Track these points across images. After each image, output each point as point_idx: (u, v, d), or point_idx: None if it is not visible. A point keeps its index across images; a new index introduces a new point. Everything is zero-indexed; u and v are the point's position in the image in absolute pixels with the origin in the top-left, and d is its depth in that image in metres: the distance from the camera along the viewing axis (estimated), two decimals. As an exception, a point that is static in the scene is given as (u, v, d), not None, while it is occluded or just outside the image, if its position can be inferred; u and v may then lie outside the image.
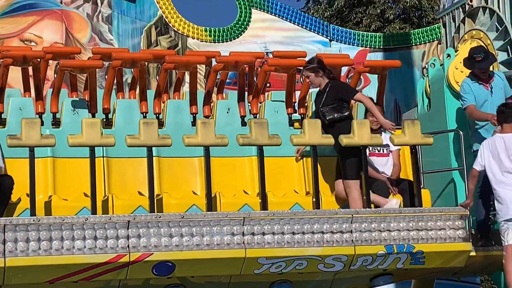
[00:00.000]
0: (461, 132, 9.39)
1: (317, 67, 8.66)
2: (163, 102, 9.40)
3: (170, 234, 7.52)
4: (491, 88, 9.08)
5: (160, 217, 7.55)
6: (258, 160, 8.21)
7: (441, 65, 10.46)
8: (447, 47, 10.95)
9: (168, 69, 9.27)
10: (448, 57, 10.24)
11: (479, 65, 9.09)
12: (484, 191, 8.81)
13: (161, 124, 8.82)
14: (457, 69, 10.12)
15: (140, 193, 8.25)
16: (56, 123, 8.74)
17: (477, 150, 8.87)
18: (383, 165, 9.02)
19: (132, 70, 10.14)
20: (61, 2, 16.29)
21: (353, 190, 8.29)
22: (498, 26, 10.08)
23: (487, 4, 10.33)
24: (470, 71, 9.47)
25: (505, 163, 8.23)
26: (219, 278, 8.03)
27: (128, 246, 7.44)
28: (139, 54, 9.79)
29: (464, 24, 10.71)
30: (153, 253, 7.47)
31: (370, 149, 8.92)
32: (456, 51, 10.41)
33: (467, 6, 10.69)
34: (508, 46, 9.93)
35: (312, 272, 8.04)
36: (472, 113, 9.09)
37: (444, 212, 8.25)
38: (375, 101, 9.48)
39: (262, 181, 8.17)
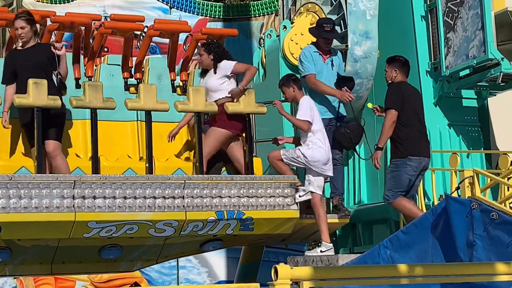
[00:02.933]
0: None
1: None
2: (-6, 60, 9.08)
3: (-4, 196, 7.31)
4: (331, 62, 9.30)
5: (-14, 178, 7.32)
6: (92, 123, 8.09)
7: (277, 36, 10.63)
8: (283, 19, 11.11)
9: (0, 27, 8.96)
10: (284, 29, 10.42)
11: (326, 34, 9.26)
12: None
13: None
14: (292, 41, 10.32)
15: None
16: None
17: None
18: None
19: (-39, 26, 9.71)
20: None
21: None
22: (332, 0, 10.31)
23: (323, -22, 10.55)
24: (308, 42, 9.72)
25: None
26: (47, 242, 7.88)
27: (-49, 207, 7.17)
28: (-32, 10, 9.39)
29: (300, -3, 10.90)
30: (-23, 215, 7.25)
31: (206, 117, 8.97)
32: (292, 23, 10.60)
33: (304, -20, 10.86)
34: (342, 21, 10.16)
35: (142, 237, 8.03)
36: (316, 84, 9.14)
37: (274, 180, 8.42)
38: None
39: (95, 144, 8.06)
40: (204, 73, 8.99)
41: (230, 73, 8.73)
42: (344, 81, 9.22)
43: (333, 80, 9.25)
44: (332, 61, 9.31)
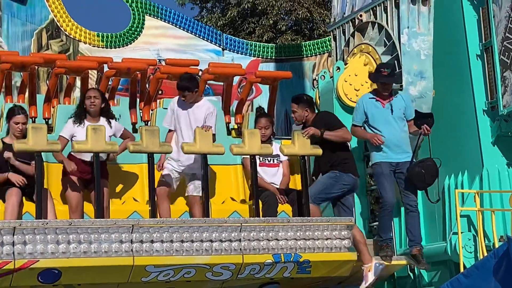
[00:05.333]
0: (349, 143, 9.55)
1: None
2: (53, 107, 9.25)
3: (57, 241, 7.40)
4: (391, 106, 9.10)
5: (47, 223, 7.41)
6: (149, 167, 8.15)
7: (330, 77, 10.64)
8: (337, 60, 11.12)
9: (59, 74, 9.14)
10: (338, 70, 10.43)
11: (383, 79, 9.12)
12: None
13: (50, 129, 8.67)
14: (346, 81, 10.32)
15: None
16: None
17: (375, 163, 9.08)
18: (273, 175, 9.08)
19: (21, 73, 9.93)
20: None
21: None
22: (386, 41, 10.31)
23: (376, 19, 10.55)
24: (362, 83, 9.73)
25: None
26: (106, 286, 7.93)
27: (13, 253, 7.27)
28: (29, 57, 9.62)
29: (353, 38, 10.91)
30: (38, 260, 7.34)
31: (261, 159, 8.98)
32: (345, 64, 10.61)
33: (357, 21, 10.88)
34: (396, 61, 10.15)
35: (200, 281, 8.04)
36: (355, 132, 9.23)
37: (331, 222, 8.38)
38: (266, 111, 9.59)
39: (151, 188, 8.12)
40: None
41: None
42: (422, 118, 9.15)
43: (394, 124, 9.06)
44: (391, 105, 9.11)
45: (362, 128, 9.19)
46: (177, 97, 8.72)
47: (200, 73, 9.75)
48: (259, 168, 8.76)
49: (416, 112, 9.26)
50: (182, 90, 8.58)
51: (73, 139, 8.27)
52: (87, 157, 8.25)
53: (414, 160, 9.14)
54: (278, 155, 9.05)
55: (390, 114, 9.09)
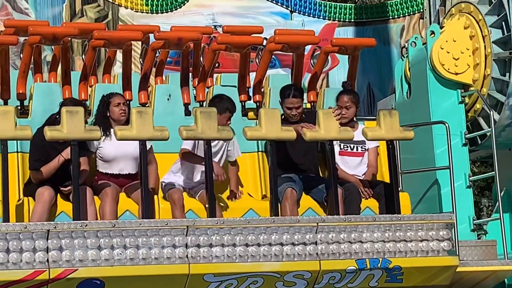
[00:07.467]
0: (447, 124, 9.50)
1: None
2: (91, 86, 9.38)
3: (98, 246, 7.52)
4: None
5: (86, 225, 7.54)
6: (205, 156, 8.22)
7: (423, 44, 10.58)
8: (430, 23, 11.06)
9: (97, 47, 9.26)
10: (432, 35, 10.36)
11: None
12: None
13: (88, 113, 8.80)
14: (442, 49, 10.26)
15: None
16: None
17: None
18: (355, 167, 9.06)
19: (53, 47, 10.09)
20: (-34, -37, 16.17)
21: None
22: (491, -2, 10.24)
23: (478, -28, 10.48)
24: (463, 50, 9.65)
25: None
26: (157, 299, 8.06)
27: (47, 260, 7.42)
28: (62, 28, 9.73)
29: (451, -5, 10.86)
30: (77, 269, 7.47)
31: (341, 147, 8.98)
32: (441, 27, 10.55)
33: (455, -26, 10.82)
34: (503, 23, 10.05)
35: (268, 292, 8.11)
36: None
37: (426, 220, 8.37)
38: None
39: (210, 182, 8.18)
40: None
41: None
42: None
43: None
44: None
45: None
46: None
47: (264, 42, 9.78)
48: (337, 158, 8.76)
49: None
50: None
51: (98, 153, 8.47)
52: (118, 170, 8.47)
53: None
54: (363, 141, 9.02)
55: None
